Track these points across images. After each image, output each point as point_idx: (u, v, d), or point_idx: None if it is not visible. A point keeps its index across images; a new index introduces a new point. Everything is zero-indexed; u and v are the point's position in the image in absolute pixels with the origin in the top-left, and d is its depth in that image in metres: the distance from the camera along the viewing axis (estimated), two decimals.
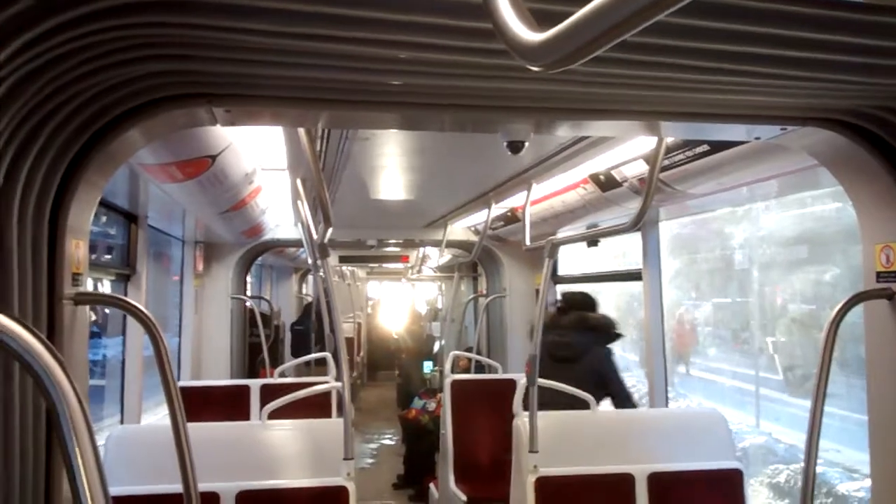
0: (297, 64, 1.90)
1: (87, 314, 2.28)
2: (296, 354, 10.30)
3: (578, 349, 4.74)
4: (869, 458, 2.59)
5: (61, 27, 1.53)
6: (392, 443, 11.81)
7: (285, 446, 3.65)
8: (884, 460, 2.53)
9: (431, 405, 9.04)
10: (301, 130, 2.68)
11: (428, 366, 11.71)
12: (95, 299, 2.27)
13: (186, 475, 2.21)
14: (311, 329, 11.16)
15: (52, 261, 2.00)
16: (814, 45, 1.66)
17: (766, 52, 1.72)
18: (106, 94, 1.94)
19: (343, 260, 12.74)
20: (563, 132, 2.92)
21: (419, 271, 11.62)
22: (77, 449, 1.12)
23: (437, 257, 11.16)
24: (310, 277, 15.31)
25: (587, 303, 5.13)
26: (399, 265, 16.65)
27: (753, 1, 1.47)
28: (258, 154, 4.00)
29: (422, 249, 10.04)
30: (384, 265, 16.97)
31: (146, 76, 1.95)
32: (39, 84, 1.68)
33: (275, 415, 3.70)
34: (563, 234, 5.55)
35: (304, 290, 15.91)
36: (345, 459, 3.49)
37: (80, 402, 1.13)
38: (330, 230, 3.17)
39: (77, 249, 2.15)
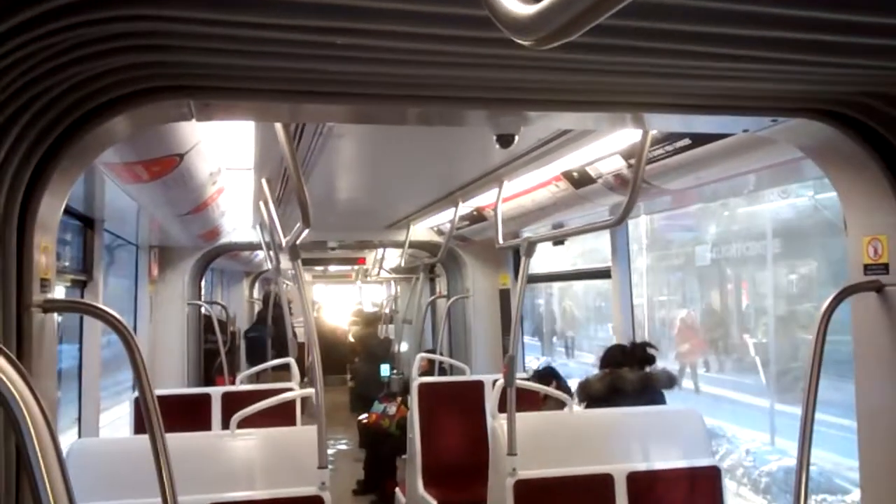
0: (278, 54, 1.82)
1: (55, 322, 2.15)
2: (251, 361, 10.09)
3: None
4: (857, 452, 2.58)
5: (31, 22, 1.44)
6: (347, 448, 11.66)
7: (256, 456, 3.54)
8: (873, 454, 2.53)
9: (392, 409, 8.95)
10: (279, 126, 2.57)
11: (385, 369, 11.59)
12: (65, 306, 2.15)
13: (165, 488, 2.10)
14: (265, 335, 10.92)
15: (19, 266, 1.86)
16: (806, 24, 1.62)
17: (756, 34, 1.68)
18: (77, 88, 1.83)
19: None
20: (547, 124, 2.87)
21: (378, 273, 11.49)
22: (42, 467, 1.05)
23: (393, 259, 11.06)
24: (259, 283, 15.09)
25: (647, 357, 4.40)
26: (347, 268, 16.51)
27: None
28: (223, 153, 3.86)
29: (380, 250, 9.93)
30: (328, 268, 16.79)
31: (120, 69, 1.84)
32: (7, 80, 1.57)
33: (240, 423, 3.59)
34: (528, 232, 5.52)
35: (254, 295, 15.65)
36: (319, 468, 3.40)
37: (45, 419, 1.06)
38: (306, 231, 3.06)
39: (44, 253, 2.01)
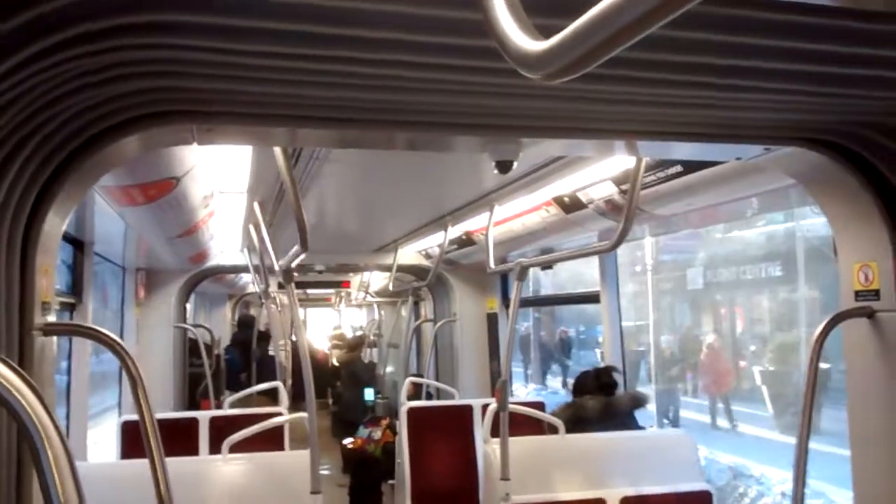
0: (279, 80, 1.84)
1: (54, 345, 2.14)
2: (230, 385, 9.97)
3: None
4: (851, 478, 2.61)
5: (43, 52, 1.46)
6: (330, 473, 11.53)
7: (248, 481, 3.51)
8: (866, 480, 2.55)
9: (377, 434, 8.87)
10: (278, 151, 2.58)
11: (369, 393, 11.51)
12: (66, 329, 2.14)
13: None
14: (238, 358, 10.78)
15: (22, 289, 1.86)
16: (798, 55, 1.66)
17: (750, 65, 1.72)
18: (82, 113, 1.85)
19: (282, 286, 12.45)
20: (541, 151, 2.90)
21: (364, 297, 11.45)
22: (60, 490, 1.04)
23: (377, 282, 11.04)
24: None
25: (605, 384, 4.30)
26: (327, 291, 16.40)
27: (738, 10, 1.46)
28: (216, 177, 3.86)
29: (366, 274, 9.91)
30: (307, 291, 16.67)
31: (124, 95, 1.86)
32: (18, 108, 1.58)
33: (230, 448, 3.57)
34: (515, 256, 5.54)
35: (236, 318, 15.54)
36: (312, 493, 3.37)
37: (62, 440, 1.05)
38: (303, 255, 3.07)
39: (45, 276, 2.01)
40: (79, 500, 1.06)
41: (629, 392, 4.36)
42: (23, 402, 1.04)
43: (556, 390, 14.23)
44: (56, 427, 1.06)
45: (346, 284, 12.95)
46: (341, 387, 12.45)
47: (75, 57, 1.53)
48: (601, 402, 4.10)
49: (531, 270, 5.62)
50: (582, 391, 4.25)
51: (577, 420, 4.06)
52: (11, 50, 1.40)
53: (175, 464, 3.56)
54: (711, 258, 11.60)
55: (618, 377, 4.30)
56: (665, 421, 11.86)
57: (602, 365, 4.54)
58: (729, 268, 11.39)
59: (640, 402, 4.28)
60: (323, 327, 19.76)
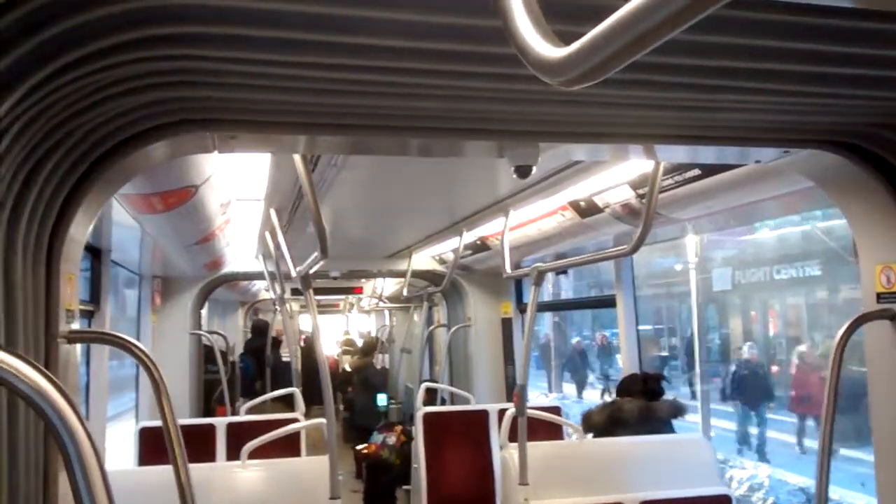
0: (298, 89, 1.87)
1: (78, 353, 2.15)
2: (245, 392, 9.99)
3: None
4: (875, 480, 2.59)
5: (70, 65, 1.49)
6: (342, 478, 11.49)
7: (267, 487, 3.52)
8: (890, 481, 2.53)
9: (391, 439, 8.88)
10: (297, 158, 2.60)
11: (382, 399, 11.51)
12: (90, 337, 2.16)
13: None
14: (252, 365, 10.80)
15: (48, 297, 1.88)
16: (816, 57, 1.66)
17: (767, 68, 1.72)
18: (107, 123, 1.87)
19: (296, 292, 12.48)
20: (559, 155, 2.90)
21: (378, 302, 11.46)
22: (90, 494, 1.06)
23: (389, 288, 11.04)
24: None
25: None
26: (336, 297, 16.39)
27: (756, 12, 1.46)
28: (234, 184, 3.89)
29: (379, 280, 9.92)
30: (318, 297, 16.61)
31: (148, 104, 1.88)
32: (43, 121, 1.61)
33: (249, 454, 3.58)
34: (529, 261, 5.53)
35: (249, 325, 15.57)
36: (331, 499, 3.38)
37: (93, 446, 1.07)
38: (322, 261, 3.08)
39: (69, 284, 2.02)
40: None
41: (669, 399, 4.28)
42: (55, 407, 1.05)
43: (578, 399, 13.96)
44: (87, 433, 1.08)
45: (359, 290, 12.97)
46: (353, 392, 12.44)
47: (100, 69, 1.55)
48: (640, 405, 4.07)
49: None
50: (626, 393, 4.24)
51: (614, 421, 4.04)
52: (37, 64, 1.42)
53: (195, 470, 3.57)
54: (763, 255, 11.18)
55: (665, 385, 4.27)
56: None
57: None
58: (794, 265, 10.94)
59: (679, 410, 4.23)
60: (331, 333, 19.73)
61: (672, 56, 1.61)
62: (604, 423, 4.01)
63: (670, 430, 4.17)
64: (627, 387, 4.24)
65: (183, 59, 1.63)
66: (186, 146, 2.23)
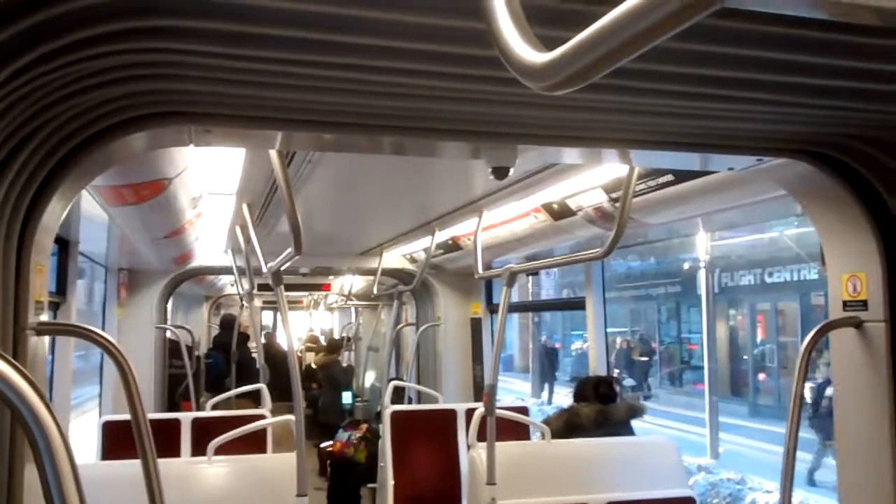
0: (277, 84, 1.85)
1: (46, 345, 2.12)
2: (210, 387, 9.89)
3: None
4: (838, 488, 2.64)
5: (46, 56, 1.46)
6: None
7: (233, 483, 3.50)
8: (854, 489, 2.58)
9: (357, 437, 8.85)
10: (273, 153, 2.58)
11: (347, 397, 11.46)
12: (59, 329, 2.12)
13: None
14: (220, 361, 10.69)
15: (17, 288, 1.84)
16: (790, 67, 1.69)
17: (742, 77, 1.75)
18: (82, 114, 1.85)
19: (263, 287, 12.38)
20: (534, 158, 2.92)
21: (346, 300, 11.41)
22: (60, 486, 1.05)
23: (357, 285, 11.00)
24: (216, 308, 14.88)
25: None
26: (303, 294, 16.32)
27: (734, 22, 1.48)
28: (206, 178, 3.85)
29: (348, 277, 9.88)
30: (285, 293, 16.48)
31: (125, 96, 1.86)
32: (19, 110, 1.58)
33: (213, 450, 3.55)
34: (500, 262, 5.55)
35: (216, 320, 15.41)
36: (298, 496, 3.36)
37: (63, 438, 1.07)
38: (296, 257, 3.06)
39: (39, 275, 1.99)
40: (79, 496, 1.07)
41: (626, 401, 4.36)
42: (26, 400, 1.04)
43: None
44: (58, 426, 1.07)
45: (327, 287, 12.90)
46: (318, 390, 12.37)
47: (78, 60, 1.53)
48: (596, 409, 4.11)
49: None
50: (581, 398, 4.28)
51: (571, 426, 4.07)
52: (17, 53, 1.40)
53: (160, 465, 3.55)
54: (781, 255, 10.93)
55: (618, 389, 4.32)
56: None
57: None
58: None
59: (636, 411, 4.29)
60: (293, 330, 19.64)
61: (650, 63, 1.63)
62: (561, 429, 4.03)
63: (629, 431, 4.22)
64: (582, 392, 4.28)
65: (162, 52, 1.61)
66: (163, 138, 2.21)
